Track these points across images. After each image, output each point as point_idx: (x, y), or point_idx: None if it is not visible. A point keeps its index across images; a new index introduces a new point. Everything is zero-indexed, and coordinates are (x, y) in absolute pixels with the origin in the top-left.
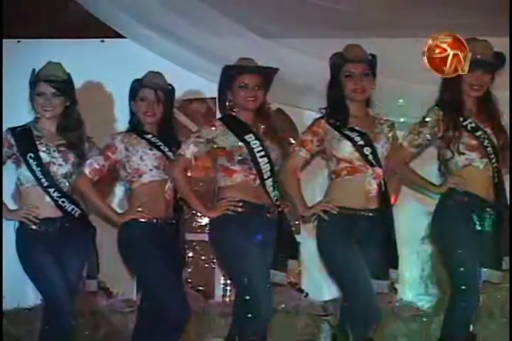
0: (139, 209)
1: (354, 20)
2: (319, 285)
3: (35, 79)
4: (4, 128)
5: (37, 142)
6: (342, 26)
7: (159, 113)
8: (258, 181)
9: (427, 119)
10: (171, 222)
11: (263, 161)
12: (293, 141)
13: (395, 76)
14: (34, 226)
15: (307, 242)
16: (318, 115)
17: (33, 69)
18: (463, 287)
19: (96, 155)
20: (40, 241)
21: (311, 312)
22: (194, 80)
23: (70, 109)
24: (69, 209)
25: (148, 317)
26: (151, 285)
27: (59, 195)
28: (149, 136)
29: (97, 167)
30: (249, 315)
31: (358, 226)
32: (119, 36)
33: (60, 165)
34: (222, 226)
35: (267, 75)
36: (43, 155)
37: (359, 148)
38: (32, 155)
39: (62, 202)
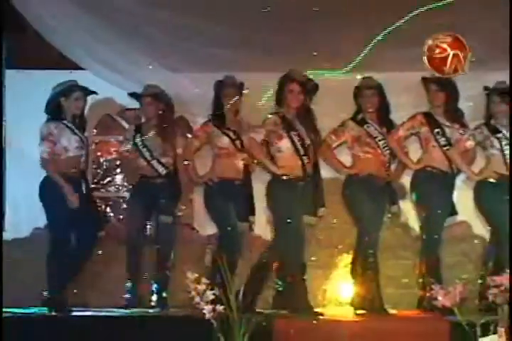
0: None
1: (233, 61)
2: (205, 225)
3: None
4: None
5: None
6: (225, 64)
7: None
8: None
9: (266, 122)
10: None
11: None
12: (189, 135)
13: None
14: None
15: (198, 199)
16: (206, 119)
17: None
18: (288, 227)
19: None
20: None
21: (199, 242)
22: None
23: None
24: None
25: None
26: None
27: None
28: None
29: None
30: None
31: (230, 189)
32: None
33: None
34: None
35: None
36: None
37: (233, 140)
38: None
39: None
